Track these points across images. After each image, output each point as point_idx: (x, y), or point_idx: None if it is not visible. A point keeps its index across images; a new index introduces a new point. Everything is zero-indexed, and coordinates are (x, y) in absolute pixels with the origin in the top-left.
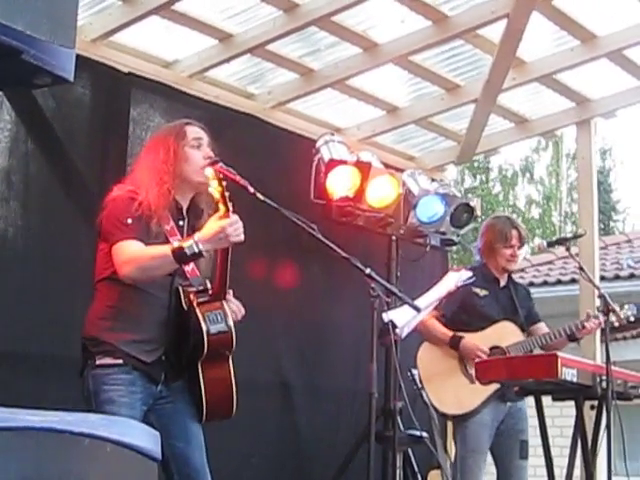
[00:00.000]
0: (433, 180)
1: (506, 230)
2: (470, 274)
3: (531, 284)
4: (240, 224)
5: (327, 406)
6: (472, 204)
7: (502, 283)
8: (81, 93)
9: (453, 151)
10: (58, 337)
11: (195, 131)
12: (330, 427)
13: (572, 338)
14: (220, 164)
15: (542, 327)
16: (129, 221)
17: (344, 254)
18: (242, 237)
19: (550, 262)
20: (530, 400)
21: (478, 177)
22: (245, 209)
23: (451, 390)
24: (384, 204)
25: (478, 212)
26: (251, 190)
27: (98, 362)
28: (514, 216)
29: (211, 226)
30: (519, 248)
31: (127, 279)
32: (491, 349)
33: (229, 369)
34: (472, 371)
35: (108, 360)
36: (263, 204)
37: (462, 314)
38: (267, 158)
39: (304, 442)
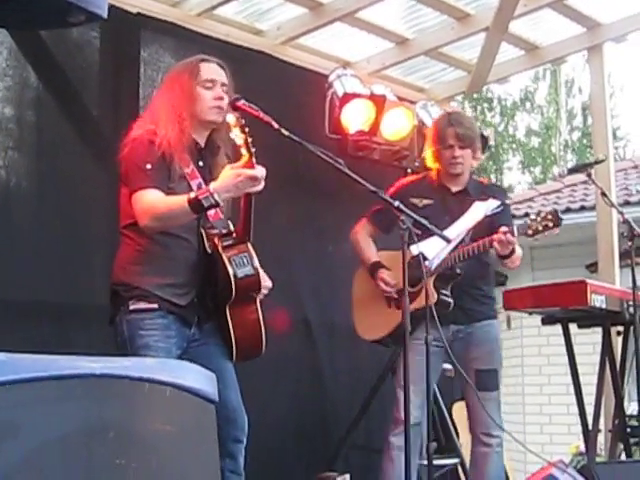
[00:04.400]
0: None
1: (441, 130)
2: (498, 203)
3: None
4: (262, 175)
5: (346, 343)
6: (485, 134)
7: (455, 189)
8: (91, 36)
9: (463, 81)
10: (80, 285)
11: (209, 71)
12: (350, 362)
13: (500, 255)
14: (242, 101)
15: None
16: (148, 166)
17: (372, 187)
18: (261, 187)
19: (558, 190)
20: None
21: (478, 108)
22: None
23: (370, 314)
24: (399, 137)
25: (492, 142)
26: (275, 126)
27: (132, 307)
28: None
29: (228, 175)
30: (461, 148)
31: (146, 229)
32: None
33: (257, 309)
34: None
35: (142, 305)
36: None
37: None
38: (279, 94)
39: (326, 378)
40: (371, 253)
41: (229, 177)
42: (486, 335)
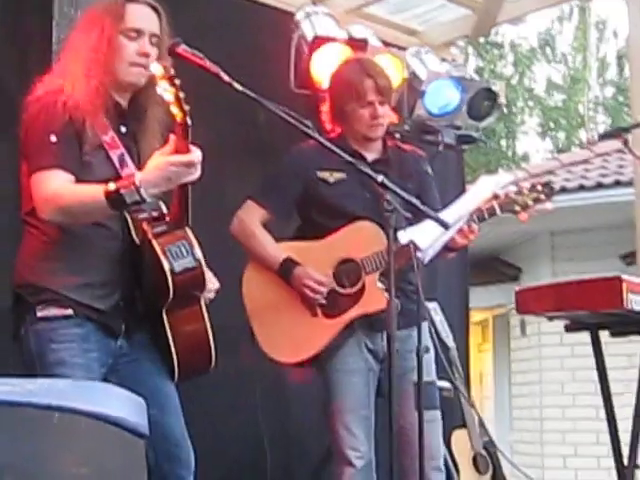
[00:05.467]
0: (443, 60)
1: (357, 81)
2: (510, 177)
3: (563, 190)
4: (198, 161)
5: None
6: (494, 88)
7: (371, 157)
8: None
9: (467, 22)
10: None
11: (137, 15)
12: None
13: (454, 247)
14: (182, 46)
15: None
16: (53, 139)
17: (348, 158)
18: (198, 174)
19: (586, 161)
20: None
21: (486, 55)
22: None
23: (286, 329)
24: None
25: (502, 99)
26: (226, 78)
27: (40, 314)
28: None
29: (157, 164)
30: (381, 104)
31: (47, 221)
32: (341, 263)
33: (202, 312)
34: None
35: (53, 311)
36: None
37: (312, 211)
38: (232, 39)
39: (293, 398)
40: (274, 247)
41: (158, 167)
42: (425, 340)
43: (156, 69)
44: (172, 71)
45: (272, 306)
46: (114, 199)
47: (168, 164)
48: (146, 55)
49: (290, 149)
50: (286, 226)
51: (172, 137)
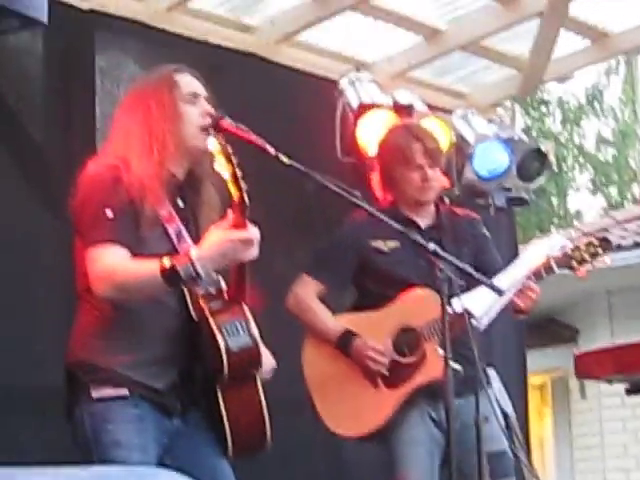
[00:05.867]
0: (490, 121)
1: (404, 146)
2: (563, 239)
3: (618, 247)
4: (256, 239)
5: None
6: (544, 149)
7: (424, 223)
8: (31, 40)
9: (513, 82)
10: (28, 363)
11: (189, 82)
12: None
13: (519, 310)
14: (226, 119)
15: None
16: (110, 214)
17: (400, 227)
18: (255, 253)
19: None
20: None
21: (533, 113)
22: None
23: (348, 402)
24: None
25: (552, 158)
26: (272, 151)
27: (95, 395)
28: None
29: (214, 240)
30: (431, 167)
31: (101, 298)
32: (400, 332)
33: (257, 390)
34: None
35: (108, 391)
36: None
37: (367, 280)
38: (276, 109)
39: (352, 460)
40: (331, 320)
41: (215, 242)
42: (488, 408)
43: (212, 144)
44: (228, 147)
45: (333, 379)
46: (170, 276)
47: (225, 240)
48: (209, 115)
49: (343, 221)
50: (341, 297)
51: (230, 212)
